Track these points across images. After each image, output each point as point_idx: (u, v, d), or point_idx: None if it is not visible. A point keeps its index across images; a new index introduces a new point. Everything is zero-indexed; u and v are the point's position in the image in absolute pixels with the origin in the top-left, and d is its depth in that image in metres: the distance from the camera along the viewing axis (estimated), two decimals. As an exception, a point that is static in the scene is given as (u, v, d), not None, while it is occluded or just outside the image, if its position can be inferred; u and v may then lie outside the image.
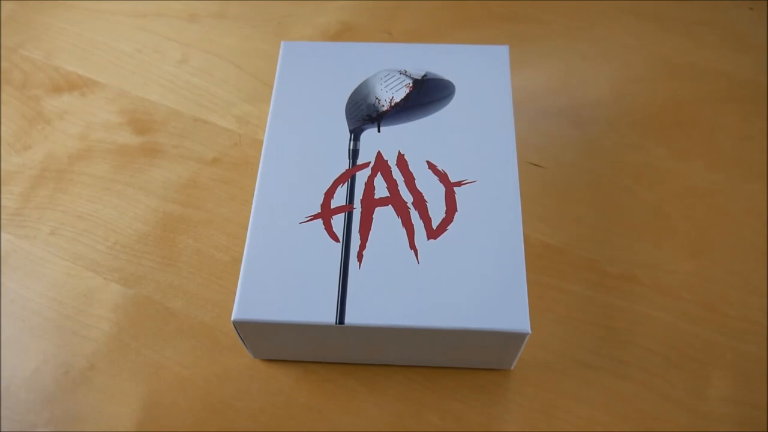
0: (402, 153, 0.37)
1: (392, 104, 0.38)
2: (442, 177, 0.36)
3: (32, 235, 0.42)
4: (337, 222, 0.34)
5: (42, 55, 0.52)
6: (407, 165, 0.36)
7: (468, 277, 0.32)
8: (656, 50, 0.51)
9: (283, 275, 0.33)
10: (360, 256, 0.33)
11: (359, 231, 0.34)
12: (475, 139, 0.37)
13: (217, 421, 0.35)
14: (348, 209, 0.35)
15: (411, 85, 0.39)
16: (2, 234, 0.42)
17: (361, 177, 0.36)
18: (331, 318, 0.31)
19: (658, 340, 0.37)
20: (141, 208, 0.43)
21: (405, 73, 0.40)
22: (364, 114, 0.38)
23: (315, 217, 0.34)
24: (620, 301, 0.39)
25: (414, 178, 0.36)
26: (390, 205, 0.35)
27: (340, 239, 0.34)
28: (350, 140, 0.37)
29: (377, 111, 0.38)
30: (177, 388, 0.36)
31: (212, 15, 0.55)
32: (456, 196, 0.35)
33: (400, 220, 0.34)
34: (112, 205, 0.44)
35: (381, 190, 0.36)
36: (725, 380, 0.36)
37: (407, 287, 0.32)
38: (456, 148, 0.37)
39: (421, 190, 0.35)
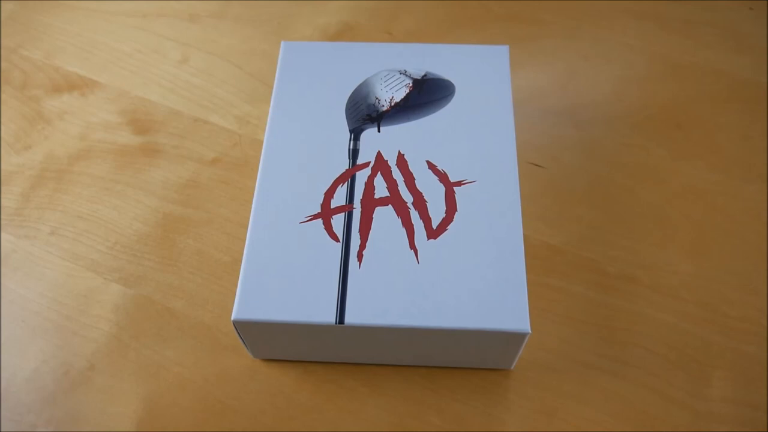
0: (402, 153, 0.37)
1: (392, 104, 0.38)
2: (442, 177, 0.36)
3: (32, 235, 0.42)
4: (337, 222, 0.34)
5: (42, 55, 0.52)
6: (407, 165, 0.36)
7: (468, 277, 0.32)
8: (656, 50, 0.51)
9: (283, 275, 0.33)
10: (360, 256, 0.33)
11: (359, 231, 0.34)
12: (475, 139, 0.37)
13: (217, 421, 0.35)
14: (348, 209, 0.35)
15: (411, 85, 0.39)
16: (2, 234, 0.42)
17: (361, 177, 0.36)
18: (331, 318, 0.31)
19: (658, 340, 0.37)
20: (141, 208, 0.43)
21: (405, 73, 0.40)
22: (364, 114, 0.38)
23: (315, 216, 0.34)
24: (620, 301, 0.39)
25: (414, 178, 0.36)
26: (390, 205, 0.35)
27: (340, 239, 0.34)
28: (350, 140, 0.37)
29: (377, 111, 0.38)
30: (177, 388, 0.36)
31: (212, 15, 0.55)
32: (456, 196, 0.35)
33: (400, 220, 0.34)
34: (112, 205, 0.44)
35: (381, 190, 0.36)
36: (725, 380, 0.36)
37: (407, 287, 0.32)
38: (456, 148, 0.37)
39: (421, 190, 0.35)
